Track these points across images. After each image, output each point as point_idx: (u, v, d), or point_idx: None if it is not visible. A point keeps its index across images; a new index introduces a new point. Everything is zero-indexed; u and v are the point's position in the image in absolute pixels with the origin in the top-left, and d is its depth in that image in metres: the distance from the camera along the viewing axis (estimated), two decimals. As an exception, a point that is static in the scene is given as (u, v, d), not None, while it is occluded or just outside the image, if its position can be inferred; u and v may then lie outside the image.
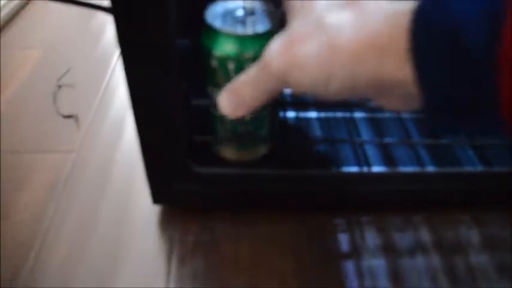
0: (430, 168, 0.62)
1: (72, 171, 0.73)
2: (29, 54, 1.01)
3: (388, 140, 0.62)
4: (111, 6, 0.43)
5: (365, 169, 0.60)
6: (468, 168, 0.63)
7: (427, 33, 0.29)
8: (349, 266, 0.59)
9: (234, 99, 0.42)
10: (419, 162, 0.63)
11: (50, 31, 1.09)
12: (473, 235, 0.65)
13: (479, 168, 0.64)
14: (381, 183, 0.62)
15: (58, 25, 1.13)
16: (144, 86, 0.49)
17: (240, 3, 0.52)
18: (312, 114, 0.66)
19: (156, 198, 0.62)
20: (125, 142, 0.78)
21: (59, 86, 0.90)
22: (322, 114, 0.64)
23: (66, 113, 0.84)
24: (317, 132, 0.64)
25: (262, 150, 0.61)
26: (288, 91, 0.67)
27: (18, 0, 1.18)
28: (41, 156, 0.75)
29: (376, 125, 0.66)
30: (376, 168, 0.61)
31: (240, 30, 0.49)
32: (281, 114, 0.66)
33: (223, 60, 0.51)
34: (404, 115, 0.69)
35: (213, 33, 0.50)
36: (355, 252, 0.61)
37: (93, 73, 0.95)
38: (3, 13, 1.11)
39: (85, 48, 1.03)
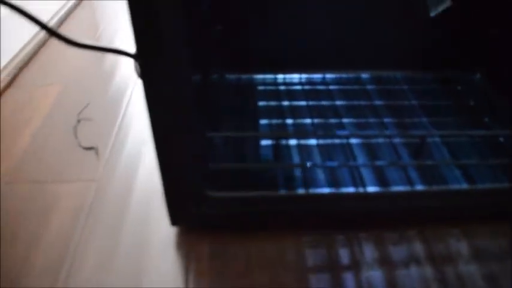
0: (420, 187, 0.69)
1: (94, 199, 0.80)
2: (49, 90, 1.09)
3: (380, 162, 0.69)
4: (135, 52, 0.51)
5: (361, 189, 0.67)
6: (454, 186, 0.70)
7: None
8: (350, 278, 0.65)
9: None
10: (410, 182, 0.70)
11: (68, 68, 1.18)
12: (462, 247, 0.71)
13: (465, 185, 0.71)
14: (376, 202, 0.69)
15: (75, 62, 1.21)
16: (164, 119, 0.56)
17: None
18: (312, 141, 0.73)
19: (174, 220, 0.69)
20: (142, 171, 0.85)
21: (79, 120, 0.98)
22: (321, 141, 0.71)
23: (87, 145, 0.91)
24: (317, 157, 0.71)
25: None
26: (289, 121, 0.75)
27: (38, 39, 1.27)
28: (65, 186, 0.83)
29: (370, 150, 0.74)
30: (371, 189, 0.68)
31: None
32: (283, 142, 0.74)
33: None
34: (396, 140, 0.77)
35: None
36: (355, 264, 0.67)
37: (110, 107, 1.02)
38: (24, 52, 1.20)
39: (101, 84, 1.11)
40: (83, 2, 1.67)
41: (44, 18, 1.39)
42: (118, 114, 1.00)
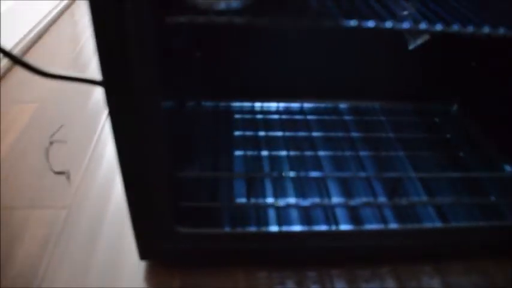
0: (394, 225, 0.69)
1: (64, 227, 0.78)
2: (25, 109, 1.07)
3: (354, 202, 0.69)
4: (101, 80, 0.49)
5: (334, 227, 0.67)
6: (427, 224, 0.70)
7: None
8: (320, 318, 0.65)
9: None
10: (384, 220, 0.69)
11: (45, 86, 1.15)
12: (435, 284, 0.71)
13: (438, 223, 0.71)
14: (349, 240, 0.68)
15: (51, 80, 1.19)
16: (131, 156, 0.55)
17: None
18: (289, 173, 0.72)
19: (143, 255, 0.67)
20: (115, 197, 0.83)
21: (51, 142, 0.96)
22: (298, 174, 0.70)
23: (58, 169, 0.89)
24: (291, 194, 0.71)
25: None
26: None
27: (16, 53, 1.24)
28: (34, 212, 0.80)
29: (345, 186, 0.73)
30: (344, 227, 0.67)
31: None
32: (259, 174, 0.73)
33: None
34: (371, 173, 0.76)
35: None
36: (326, 304, 0.66)
37: (84, 130, 1.01)
38: (0, 66, 1.18)
39: (77, 105, 1.09)
40: (65, 13, 1.65)
41: (25, 28, 1.36)
42: (92, 138, 0.98)
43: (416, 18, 0.58)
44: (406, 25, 0.52)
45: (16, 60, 0.53)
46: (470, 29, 0.54)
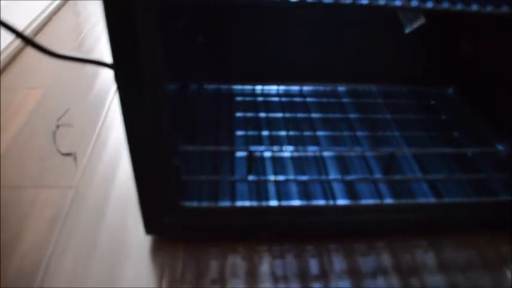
0: (389, 201, 0.72)
1: (71, 206, 0.81)
2: (30, 94, 1.10)
3: (350, 177, 0.71)
4: (111, 63, 0.52)
5: (331, 202, 0.69)
6: (421, 200, 0.73)
7: None
8: (319, 288, 0.68)
9: None
10: (379, 195, 0.72)
11: (50, 71, 1.18)
12: (429, 258, 0.74)
13: (432, 199, 0.73)
14: (346, 215, 0.71)
15: (57, 65, 1.21)
16: (138, 131, 0.58)
17: None
18: (286, 154, 0.75)
19: (149, 229, 0.70)
20: (120, 178, 0.86)
21: (58, 126, 0.98)
22: (295, 154, 0.73)
23: (65, 151, 0.92)
24: (290, 170, 0.74)
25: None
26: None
27: (20, 41, 1.27)
28: (42, 192, 0.83)
29: (342, 163, 0.76)
30: (341, 201, 0.70)
31: None
32: (258, 154, 0.75)
33: None
34: (368, 153, 0.79)
35: None
36: (324, 275, 0.69)
37: (90, 113, 1.03)
38: (5, 54, 1.20)
39: (82, 89, 1.12)
40: (67, 3, 1.67)
41: (27, 19, 1.39)
42: (98, 121, 1.01)
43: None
44: (398, 2, 0.55)
45: (28, 41, 0.55)
46: (459, 6, 0.56)
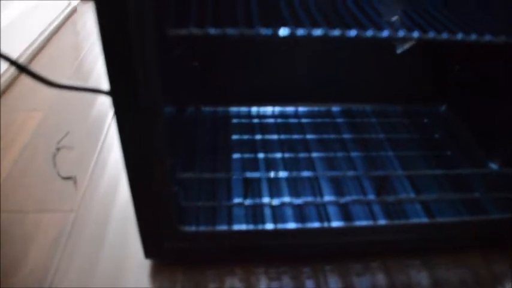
0: (382, 221, 0.73)
1: (72, 229, 0.82)
2: (31, 116, 1.12)
3: (344, 199, 0.73)
4: (109, 90, 0.54)
5: (326, 224, 0.71)
6: (414, 220, 0.75)
7: None
8: (315, 309, 0.69)
9: None
10: (373, 216, 0.74)
11: (50, 93, 1.20)
12: (423, 278, 0.76)
13: (424, 219, 0.75)
14: (340, 236, 0.73)
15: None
16: (136, 159, 0.59)
17: None
18: (282, 176, 0.77)
19: (148, 253, 0.72)
20: (120, 200, 0.88)
21: (58, 149, 1.00)
22: (292, 174, 0.75)
23: (66, 174, 0.94)
24: (285, 192, 0.75)
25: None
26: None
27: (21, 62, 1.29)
28: (44, 216, 0.85)
29: (337, 184, 0.78)
30: (336, 223, 0.72)
31: None
32: (254, 177, 0.77)
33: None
34: (361, 172, 0.81)
35: None
36: (320, 296, 0.71)
37: (89, 136, 1.05)
38: (5, 76, 1.22)
39: (82, 111, 1.14)
40: (67, 23, 1.69)
41: (28, 39, 1.41)
42: (97, 142, 1.03)
43: (403, 24, 0.63)
44: (385, 33, 0.57)
45: (25, 70, 0.57)
46: (444, 35, 0.59)
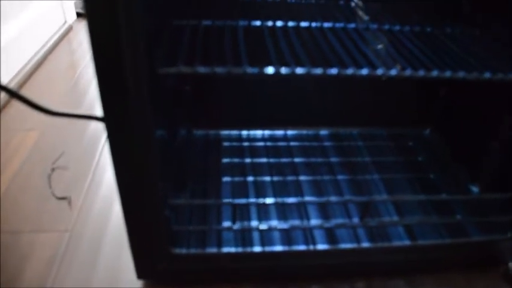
0: (366, 244, 0.76)
1: (67, 248, 0.85)
2: (27, 136, 1.14)
3: (329, 224, 0.76)
4: (102, 116, 0.57)
5: (311, 247, 0.74)
6: (397, 243, 0.78)
7: None
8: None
9: None
10: (357, 239, 0.77)
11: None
12: (406, 298, 0.79)
13: (407, 241, 0.78)
14: (326, 258, 0.76)
15: (52, 107, 1.26)
16: (128, 184, 0.62)
17: None
18: (270, 200, 0.80)
19: (140, 274, 0.75)
20: (113, 220, 0.90)
21: (53, 169, 1.03)
22: (279, 200, 0.78)
23: (60, 194, 0.96)
24: (273, 216, 0.79)
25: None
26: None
27: (18, 80, 1.32)
28: (39, 236, 0.87)
29: (323, 208, 0.81)
30: (321, 246, 0.75)
31: None
32: (243, 201, 0.80)
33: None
34: (347, 197, 0.84)
35: None
36: (306, 316, 0.74)
37: (84, 156, 1.08)
38: (2, 95, 1.25)
39: (77, 131, 1.16)
40: (62, 41, 1.73)
41: (24, 58, 1.43)
42: (91, 164, 1.05)
43: (388, 53, 0.67)
44: (365, 71, 0.60)
45: (17, 97, 0.59)
46: (421, 73, 0.62)
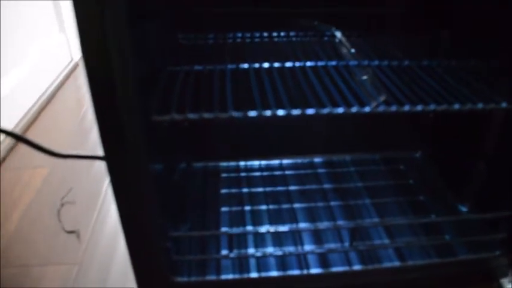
0: (357, 267, 0.81)
1: (76, 281, 0.90)
2: (36, 173, 1.21)
3: (322, 249, 0.81)
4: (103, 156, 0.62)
5: (305, 271, 0.79)
6: (387, 264, 0.82)
7: None
8: None
9: None
10: (349, 262, 0.81)
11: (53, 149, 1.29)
12: (398, 318, 0.82)
13: (396, 263, 0.82)
14: (319, 281, 0.80)
15: (61, 143, 1.33)
16: (130, 219, 0.67)
17: None
18: (264, 228, 0.85)
19: (145, 303, 0.79)
20: (120, 252, 0.95)
21: (62, 204, 1.09)
22: (273, 229, 0.83)
23: (69, 228, 1.02)
24: (269, 243, 0.83)
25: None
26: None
27: (27, 120, 1.39)
28: (49, 269, 0.92)
29: (317, 234, 0.85)
30: (314, 270, 0.79)
31: None
32: (241, 230, 0.85)
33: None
34: (339, 222, 0.89)
35: None
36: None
37: (91, 189, 1.14)
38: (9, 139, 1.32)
39: (84, 167, 1.22)
40: (69, 78, 1.81)
41: (34, 96, 1.51)
42: (98, 198, 1.11)
43: (372, 83, 0.72)
44: (340, 110, 0.66)
45: (24, 141, 0.65)
46: (406, 107, 0.68)
